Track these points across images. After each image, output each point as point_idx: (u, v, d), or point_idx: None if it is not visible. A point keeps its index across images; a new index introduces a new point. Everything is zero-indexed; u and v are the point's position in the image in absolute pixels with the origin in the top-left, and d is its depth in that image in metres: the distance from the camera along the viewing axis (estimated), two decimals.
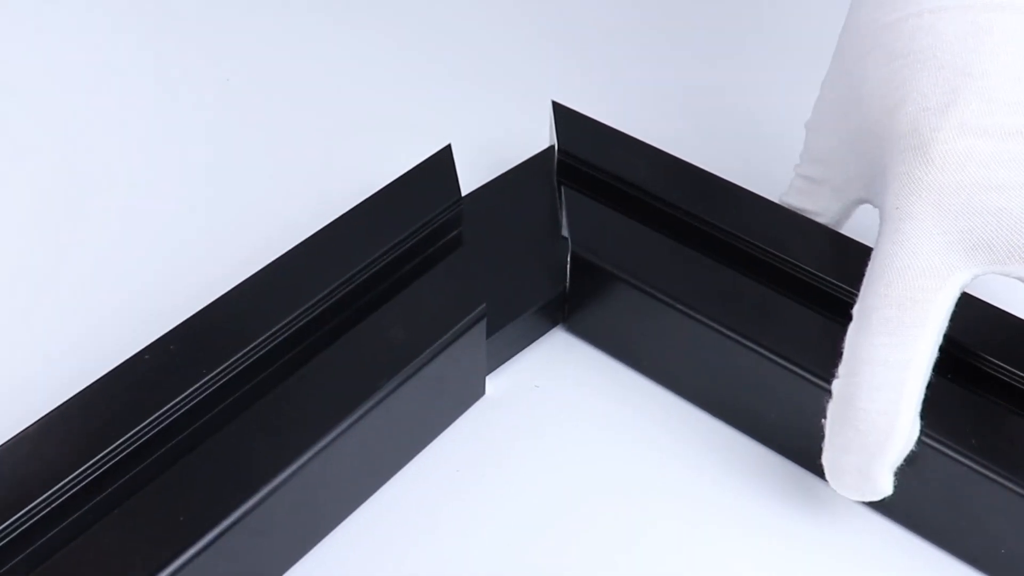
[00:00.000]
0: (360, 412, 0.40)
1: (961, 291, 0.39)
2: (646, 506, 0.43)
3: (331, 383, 0.41)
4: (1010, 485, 0.39)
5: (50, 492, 0.37)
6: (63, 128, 0.61)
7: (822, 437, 0.41)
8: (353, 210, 0.48)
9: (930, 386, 0.39)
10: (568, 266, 0.47)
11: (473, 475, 0.44)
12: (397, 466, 0.44)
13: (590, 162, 0.50)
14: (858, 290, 0.41)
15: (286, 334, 0.43)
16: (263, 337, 0.42)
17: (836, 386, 0.40)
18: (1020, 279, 0.39)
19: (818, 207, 0.47)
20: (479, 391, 0.47)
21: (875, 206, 0.42)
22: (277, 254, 0.45)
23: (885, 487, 0.40)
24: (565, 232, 0.49)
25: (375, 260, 0.46)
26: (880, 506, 0.42)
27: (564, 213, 0.49)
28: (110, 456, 0.39)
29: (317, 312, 0.44)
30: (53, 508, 0.37)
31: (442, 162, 0.50)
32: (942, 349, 0.39)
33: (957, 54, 0.39)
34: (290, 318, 0.43)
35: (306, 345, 0.43)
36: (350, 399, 0.40)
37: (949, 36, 0.40)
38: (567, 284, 0.48)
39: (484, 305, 0.44)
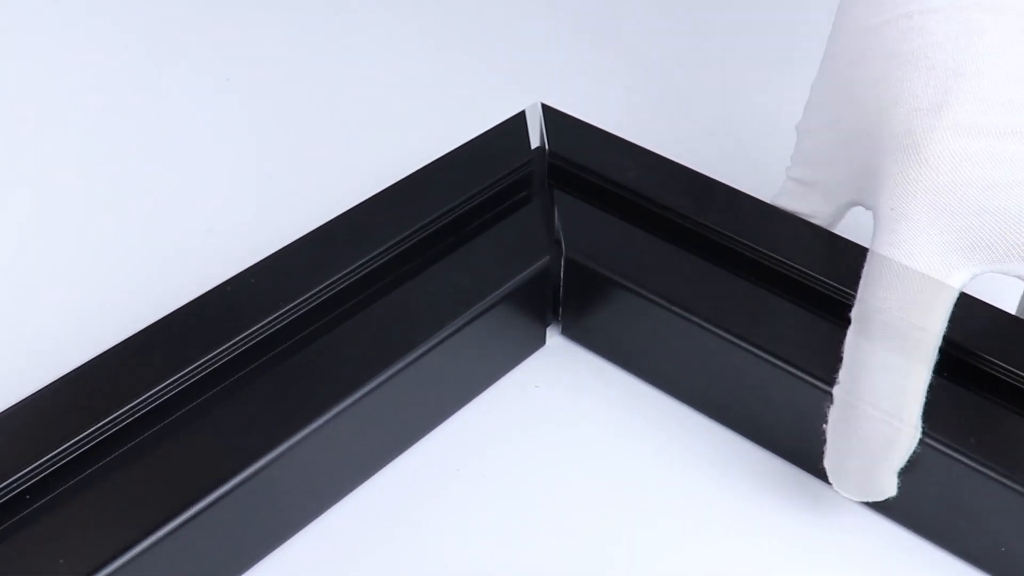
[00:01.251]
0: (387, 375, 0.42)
1: (960, 291, 0.39)
2: (644, 507, 0.43)
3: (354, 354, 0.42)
4: (1010, 484, 0.39)
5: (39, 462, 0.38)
6: (64, 127, 0.61)
7: (822, 440, 0.41)
8: (417, 173, 0.49)
9: (931, 387, 0.39)
10: (562, 269, 0.47)
11: (468, 473, 0.44)
12: (413, 439, 0.45)
13: (581, 164, 0.50)
14: (853, 290, 0.41)
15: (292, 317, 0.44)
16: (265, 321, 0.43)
17: (837, 392, 0.40)
18: (1020, 277, 0.39)
19: (809, 210, 0.47)
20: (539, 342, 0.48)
21: (867, 208, 0.42)
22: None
23: (889, 489, 0.40)
24: (557, 235, 0.48)
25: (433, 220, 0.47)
26: (880, 506, 0.42)
27: (556, 216, 0.49)
28: (137, 409, 0.40)
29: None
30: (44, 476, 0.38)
31: (516, 125, 0.51)
32: (942, 349, 0.39)
33: (949, 54, 0.39)
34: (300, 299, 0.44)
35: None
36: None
37: (940, 37, 0.40)
38: (560, 287, 0.48)
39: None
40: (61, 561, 0.35)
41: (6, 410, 0.39)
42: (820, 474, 0.42)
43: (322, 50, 0.66)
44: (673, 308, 0.45)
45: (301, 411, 0.40)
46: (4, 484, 0.37)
